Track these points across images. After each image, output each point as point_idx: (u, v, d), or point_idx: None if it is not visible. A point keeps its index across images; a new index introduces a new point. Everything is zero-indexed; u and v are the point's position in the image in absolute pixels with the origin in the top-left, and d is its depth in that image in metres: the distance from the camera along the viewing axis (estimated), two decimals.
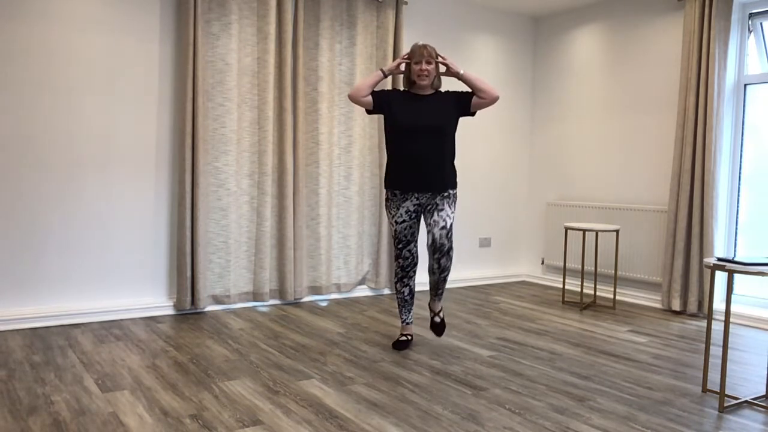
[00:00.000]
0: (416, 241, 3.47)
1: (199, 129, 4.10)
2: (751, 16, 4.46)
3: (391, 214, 3.44)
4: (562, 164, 5.67)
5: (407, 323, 3.57)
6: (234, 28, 4.26)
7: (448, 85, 4.82)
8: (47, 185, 3.80)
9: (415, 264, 3.48)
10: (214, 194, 4.28)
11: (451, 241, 3.29)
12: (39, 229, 3.79)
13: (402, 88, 3.51)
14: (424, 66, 3.28)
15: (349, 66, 4.80)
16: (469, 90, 3.56)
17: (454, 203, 3.39)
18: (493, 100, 3.32)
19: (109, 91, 3.97)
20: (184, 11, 4.06)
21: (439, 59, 3.34)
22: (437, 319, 3.54)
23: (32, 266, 3.78)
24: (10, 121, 3.68)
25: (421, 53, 3.29)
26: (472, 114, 3.42)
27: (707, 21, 4.35)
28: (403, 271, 3.48)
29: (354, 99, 3.31)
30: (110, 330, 3.73)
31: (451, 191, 3.38)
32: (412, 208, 3.40)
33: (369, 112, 3.38)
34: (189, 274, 4.12)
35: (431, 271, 3.34)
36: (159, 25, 4.12)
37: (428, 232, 3.31)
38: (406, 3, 4.97)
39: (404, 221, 3.41)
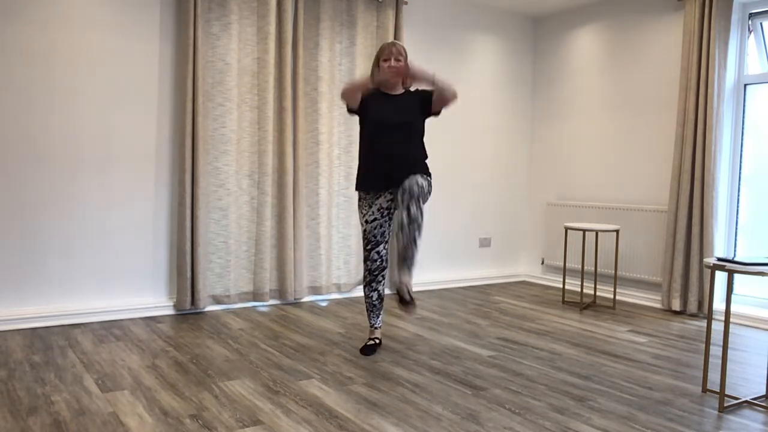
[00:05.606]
0: (386, 243, 3.34)
1: (199, 129, 4.10)
2: (751, 16, 4.46)
3: (362, 213, 3.36)
4: (562, 164, 5.67)
5: (376, 327, 3.47)
6: (234, 28, 4.26)
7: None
8: (47, 185, 3.80)
9: (384, 268, 3.34)
10: (214, 194, 4.28)
11: (423, 192, 3.09)
12: (39, 229, 3.79)
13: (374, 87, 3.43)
14: (393, 63, 3.27)
15: (349, 66, 4.80)
16: (429, 89, 3.38)
17: (426, 179, 3.17)
18: (454, 96, 3.24)
19: (109, 91, 3.97)
20: (184, 11, 4.06)
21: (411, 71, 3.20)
22: (407, 297, 3.07)
23: (32, 266, 3.78)
24: (11, 120, 3.68)
25: (389, 50, 3.28)
26: (436, 114, 3.36)
27: (707, 21, 4.35)
28: (371, 275, 3.33)
29: (345, 97, 3.31)
30: (110, 330, 3.73)
31: (420, 173, 3.21)
32: (385, 205, 3.31)
33: (350, 111, 3.37)
34: (189, 274, 4.12)
35: (400, 227, 3.06)
36: (159, 25, 4.12)
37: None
38: (406, 3, 4.97)
39: (375, 219, 3.30)
